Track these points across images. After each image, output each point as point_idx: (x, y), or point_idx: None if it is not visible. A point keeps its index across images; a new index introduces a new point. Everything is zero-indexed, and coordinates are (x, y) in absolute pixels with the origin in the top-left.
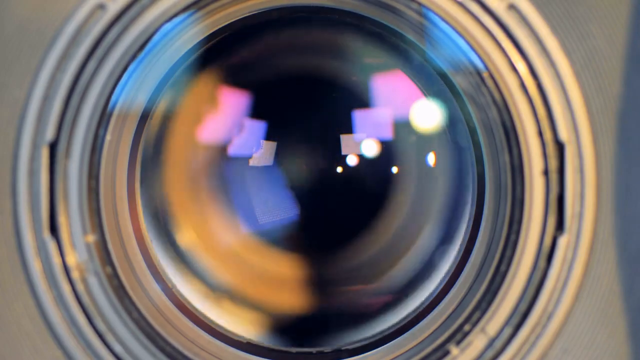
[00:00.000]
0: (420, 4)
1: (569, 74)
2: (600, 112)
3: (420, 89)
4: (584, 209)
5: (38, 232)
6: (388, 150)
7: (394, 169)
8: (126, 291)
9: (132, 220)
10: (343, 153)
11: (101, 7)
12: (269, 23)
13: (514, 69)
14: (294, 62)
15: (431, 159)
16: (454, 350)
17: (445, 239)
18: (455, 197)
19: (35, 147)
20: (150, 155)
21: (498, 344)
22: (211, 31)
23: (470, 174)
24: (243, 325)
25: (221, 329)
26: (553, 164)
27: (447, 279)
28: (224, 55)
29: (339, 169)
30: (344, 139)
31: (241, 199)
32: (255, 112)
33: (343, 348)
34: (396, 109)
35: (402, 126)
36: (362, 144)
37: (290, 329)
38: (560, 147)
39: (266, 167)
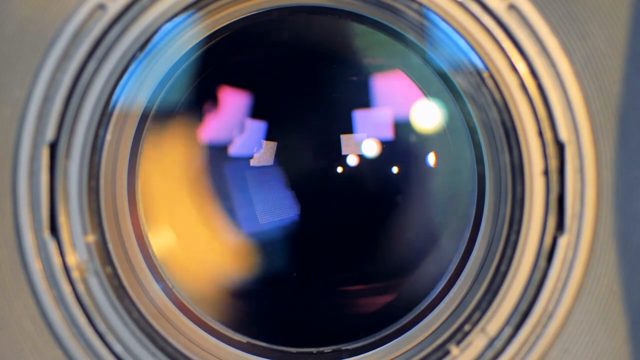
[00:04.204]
0: (420, 4)
1: (569, 74)
2: (600, 112)
3: (420, 89)
4: (584, 209)
5: (38, 232)
6: (388, 150)
7: (394, 169)
8: (126, 291)
9: (132, 220)
10: (343, 153)
11: (101, 7)
12: (269, 23)
13: (514, 69)
14: (294, 62)
15: (431, 159)
16: (454, 350)
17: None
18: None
19: (35, 147)
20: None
21: (498, 344)
22: (211, 31)
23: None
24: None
25: (221, 329)
26: (553, 164)
27: (447, 279)
28: (224, 55)
29: (339, 169)
30: (344, 139)
31: (241, 199)
32: (256, 112)
33: (343, 348)
34: (396, 109)
35: (402, 126)
36: (363, 144)
37: (290, 329)
38: (560, 147)
39: (266, 167)
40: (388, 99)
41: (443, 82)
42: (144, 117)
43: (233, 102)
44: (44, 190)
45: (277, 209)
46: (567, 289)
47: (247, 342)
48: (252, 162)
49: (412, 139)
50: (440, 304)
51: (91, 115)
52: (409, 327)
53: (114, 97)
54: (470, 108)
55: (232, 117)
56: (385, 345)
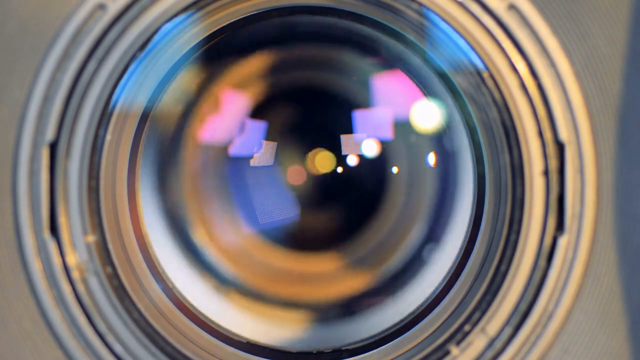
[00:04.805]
0: (420, 4)
1: (569, 74)
2: (600, 112)
3: (420, 89)
4: (584, 209)
5: (38, 232)
6: (388, 150)
7: (394, 169)
8: (126, 291)
9: (132, 220)
10: (343, 153)
11: (101, 7)
12: (269, 23)
13: (514, 69)
14: (294, 62)
15: (431, 159)
16: (454, 350)
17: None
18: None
19: (35, 147)
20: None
21: (498, 344)
22: (211, 31)
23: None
24: (247, 318)
25: (221, 329)
26: (553, 164)
27: (447, 279)
28: (224, 55)
29: (339, 169)
30: (344, 139)
31: (242, 199)
32: (256, 112)
33: (343, 348)
34: (396, 109)
35: (402, 126)
36: (362, 144)
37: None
38: (560, 147)
39: (266, 167)
40: (388, 99)
41: (443, 82)
42: (144, 117)
43: (233, 102)
44: (44, 190)
45: (277, 209)
46: (567, 289)
47: (247, 342)
48: (252, 162)
49: (412, 139)
50: (440, 304)
51: (91, 115)
52: (409, 327)
53: (114, 97)
54: (470, 108)
55: (232, 117)
56: (385, 345)
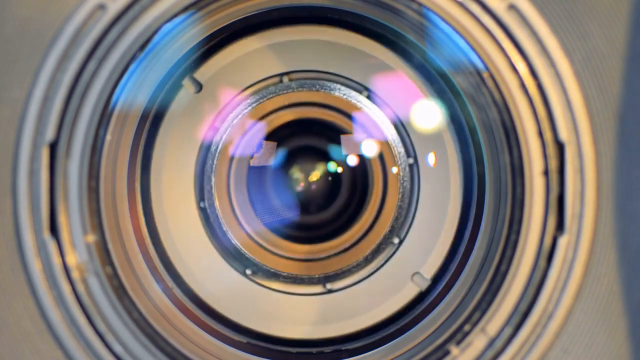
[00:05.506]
0: (420, 4)
1: (569, 74)
2: (600, 112)
3: (420, 89)
4: (584, 209)
5: (38, 232)
6: (388, 150)
7: (394, 169)
8: (126, 291)
9: (132, 220)
10: (343, 153)
11: (101, 7)
12: (269, 23)
13: (514, 69)
14: (293, 61)
15: (431, 159)
16: (454, 350)
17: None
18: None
19: (35, 147)
20: None
21: (498, 344)
22: (211, 31)
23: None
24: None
25: (221, 329)
26: (553, 164)
27: (447, 279)
28: (224, 54)
29: (339, 169)
30: (344, 139)
31: (241, 199)
32: (256, 112)
33: (343, 348)
34: (396, 109)
35: (402, 126)
36: (362, 144)
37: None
38: (560, 147)
39: (266, 167)
40: (388, 99)
41: (443, 82)
42: (144, 117)
43: (233, 102)
44: (44, 190)
45: (277, 209)
46: (567, 289)
47: (247, 342)
48: (252, 162)
49: (412, 139)
50: (440, 304)
51: (91, 115)
52: (409, 327)
53: (114, 97)
54: (470, 108)
55: (232, 118)
56: (385, 345)
